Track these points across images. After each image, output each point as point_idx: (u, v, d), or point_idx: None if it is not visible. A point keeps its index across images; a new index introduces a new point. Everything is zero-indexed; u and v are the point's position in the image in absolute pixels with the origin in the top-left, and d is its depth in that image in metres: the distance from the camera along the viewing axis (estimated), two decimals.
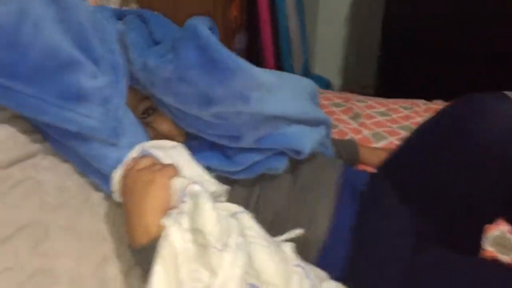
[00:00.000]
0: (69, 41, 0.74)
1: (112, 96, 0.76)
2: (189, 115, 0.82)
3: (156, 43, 0.89)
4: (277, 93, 0.80)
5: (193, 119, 0.82)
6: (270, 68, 2.20)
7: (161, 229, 0.59)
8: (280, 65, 2.28)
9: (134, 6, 1.42)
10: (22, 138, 0.74)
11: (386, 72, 2.27)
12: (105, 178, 0.74)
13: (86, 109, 0.72)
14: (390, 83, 2.27)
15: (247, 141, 0.83)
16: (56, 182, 0.73)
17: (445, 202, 0.81)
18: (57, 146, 0.77)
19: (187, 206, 0.60)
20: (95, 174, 0.78)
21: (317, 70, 2.82)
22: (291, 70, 2.34)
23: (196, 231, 0.58)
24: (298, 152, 0.87)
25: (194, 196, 0.61)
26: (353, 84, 2.79)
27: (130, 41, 0.84)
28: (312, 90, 1.00)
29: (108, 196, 0.76)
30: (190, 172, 0.70)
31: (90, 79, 0.74)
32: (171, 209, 0.62)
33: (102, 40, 0.79)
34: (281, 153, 0.88)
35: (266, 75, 0.77)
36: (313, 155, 0.96)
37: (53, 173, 0.74)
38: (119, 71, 0.80)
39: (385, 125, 1.40)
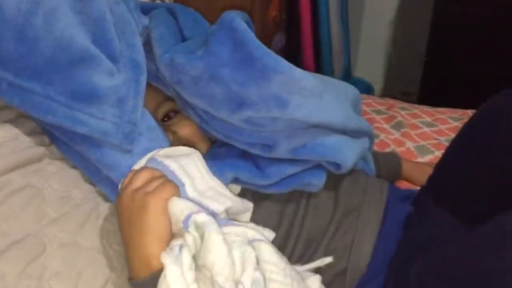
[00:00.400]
0: (85, 34, 0.68)
1: (128, 97, 0.70)
2: (217, 119, 0.74)
3: (185, 40, 0.82)
4: (319, 99, 0.71)
5: (222, 124, 0.74)
6: (309, 70, 2.11)
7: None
8: (319, 67, 2.19)
9: (167, 0, 1.34)
10: (26, 141, 0.67)
11: (433, 77, 2.13)
12: (116, 188, 0.67)
13: (99, 110, 0.66)
14: (436, 89, 2.13)
15: (282, 151, 0.74)
16: (60, 190, 0.66)
17: (493, 206, 0.71)
18: (65, 150, 0.71)
19: (191, 238, 0.52)
20: (105, 183, 0.71)
21: (358, 73, 2.71)
22: (330, 72, 2.25)
23: (204, 267, 0.50)
24: (338, 166, 0.78)
25: (200, 227, 0.52)
26: (395, 89, 2.67)
27: (156, 35, 0.77)
28: (355, 97, 0.90)
29: None
30: (202, 184, 0.62)
31: (105, 77, 0.67)
32: (174, 236, 0.54)
33: (122, 34, 0.73)
34: (319, 167, 0.79)
35: (308, 78, 0.68)
36: (353, 171, 0.86)
37: (59, 180, 0.67)
38: (138, 69, 0.73)
39: (431, 137, 1.27)
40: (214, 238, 0.51)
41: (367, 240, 0.77)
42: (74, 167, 0.71)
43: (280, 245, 0.76)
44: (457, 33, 1.96)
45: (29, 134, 0.68)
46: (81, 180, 0.71)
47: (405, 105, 1.48)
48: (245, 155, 0.78)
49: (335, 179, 0.83)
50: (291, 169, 0.76)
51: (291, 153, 0.74)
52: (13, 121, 0.68)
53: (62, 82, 0.64)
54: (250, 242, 0.56)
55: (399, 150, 1.23)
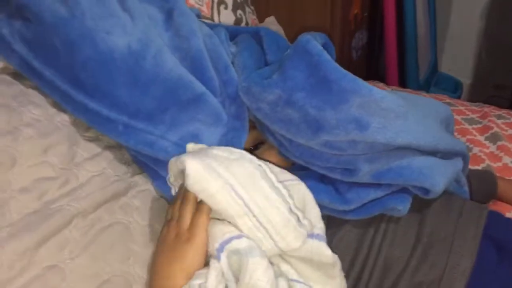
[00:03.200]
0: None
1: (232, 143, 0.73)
2: (296, 144, 0.72)
3: (268, 65, 0.81)
4: (403, 119, 0.66)
5: (301, 149, 0.72)
6: (392, 67, 2.03)
7: None
8: (403, 64, 2.09)
9: (249, 9, 1.33)
10: (111, 174, 0.69)
11: None
12: None
13: None
14: None
15: (363, 175, 0.70)
16: (144, 226, 0.67)
17: None
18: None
19: (225, 267, 0.52)
20: None
21: (445, 67, 2.57)
22: (416, 69, 2.14)
23: None
24: (426, 191, 0.72)
25: (242, 253, 0.52)
26: (485, 83, 2.50)
27: (238, 63, 0.77)
28: (447, 116, 0.83)
29: None
30: (252, 193, 0.58)
31: (210, 125, 0.72)
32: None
33: (217, 69, 0.75)
34: (404, 190, 0.74)
35: (390, 98, 0.64)
36: (445, 193, 0.79)
37: (143, 215, 0.68)
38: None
39: None
40: (260, 263, 0.51)
41: (458, 279, 0.70)
42: (158, 198, 0.72)
43: (358, 272, 0.73)
44: None
45: (114, 166, 0.70)
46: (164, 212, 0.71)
47: (502, 112, 1.35)
48: (324, 178, 0.75)
49: (422, 203, 0.76)
50: (373, 194, 0.72)
51: (374, 177, 0.70)
52: (100, 154, 0.69)
53: (171, 121, 0.68)
54: (289, 280, 0.55)
55: (494, 166, 1.12)
